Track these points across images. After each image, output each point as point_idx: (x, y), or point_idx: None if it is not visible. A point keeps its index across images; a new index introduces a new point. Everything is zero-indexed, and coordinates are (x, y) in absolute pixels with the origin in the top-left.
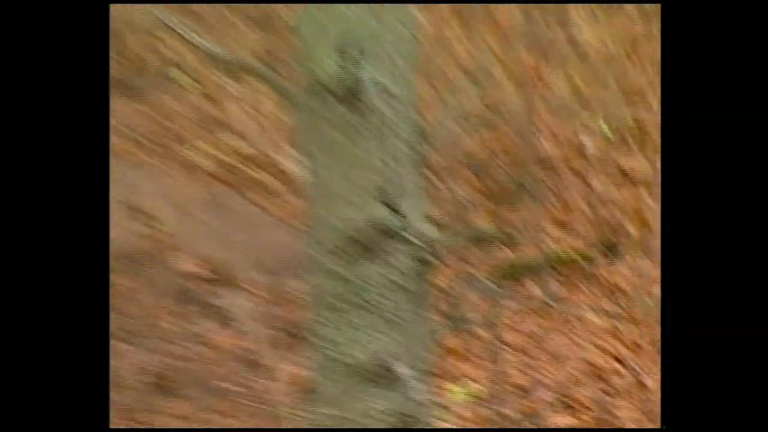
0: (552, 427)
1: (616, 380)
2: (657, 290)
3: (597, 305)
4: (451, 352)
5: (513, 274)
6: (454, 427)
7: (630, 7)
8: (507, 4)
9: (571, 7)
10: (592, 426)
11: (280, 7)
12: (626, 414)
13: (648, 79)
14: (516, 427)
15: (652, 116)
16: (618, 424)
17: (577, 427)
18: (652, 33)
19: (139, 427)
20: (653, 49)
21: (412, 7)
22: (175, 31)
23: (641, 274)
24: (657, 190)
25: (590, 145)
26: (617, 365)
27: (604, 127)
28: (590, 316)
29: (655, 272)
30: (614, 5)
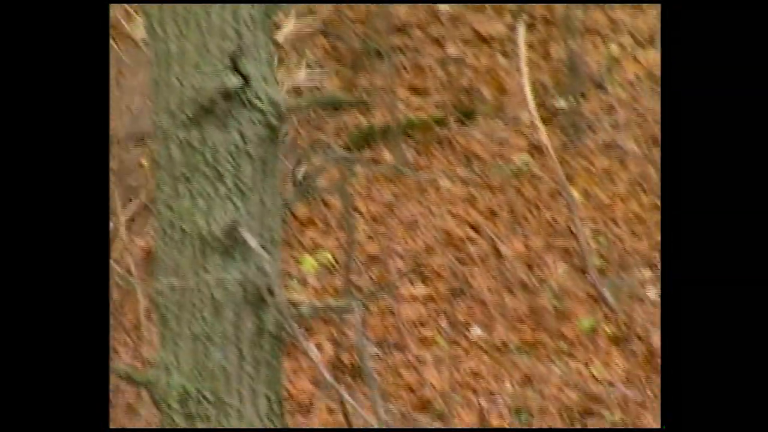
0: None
1: (472, 248)
2: (513, 156)
3: (452, 172)
4: (301, 221)
5: (366, 140)
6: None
7: None
8: None
9: None
10: (445, 294)
11: None
12: (481, 282)
13: None
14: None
15: None
16: (472, 293)
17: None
18: None
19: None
20: None
21: None
22: None
23: (497, 139)
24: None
25: (445, 8)
26: (472, 233)
27: None
28: (445, 183)
29: (511, 137)
30: None
